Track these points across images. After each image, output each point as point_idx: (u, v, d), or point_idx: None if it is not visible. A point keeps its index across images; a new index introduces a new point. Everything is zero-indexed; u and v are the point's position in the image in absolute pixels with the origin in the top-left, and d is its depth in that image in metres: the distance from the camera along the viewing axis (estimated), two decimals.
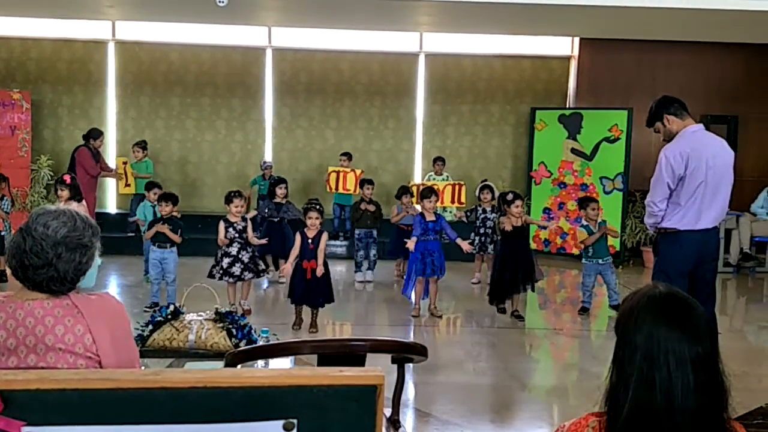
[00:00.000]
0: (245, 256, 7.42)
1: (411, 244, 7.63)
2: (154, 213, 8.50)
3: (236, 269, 7.38)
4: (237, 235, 7.39)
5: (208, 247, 9.34)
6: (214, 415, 1.34)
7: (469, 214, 9.60)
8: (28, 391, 1.30)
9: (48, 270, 2.13)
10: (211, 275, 7.36)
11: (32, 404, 1.31)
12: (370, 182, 9.75)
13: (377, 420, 1.45)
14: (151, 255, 7.70)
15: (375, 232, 9.46)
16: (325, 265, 6.98)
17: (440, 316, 7.76)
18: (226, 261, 7.38)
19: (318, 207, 7.09)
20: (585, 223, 8.01)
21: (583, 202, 8.25)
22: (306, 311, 7.05)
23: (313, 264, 6.83)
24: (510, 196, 7.73)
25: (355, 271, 9.52)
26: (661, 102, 5.27)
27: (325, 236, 6.99)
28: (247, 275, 7.46)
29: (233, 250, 7.39)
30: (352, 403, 1.43)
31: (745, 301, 9.99)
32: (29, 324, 2.08)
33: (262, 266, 7.75)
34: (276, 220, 9.08)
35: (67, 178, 7.52)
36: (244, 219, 7.52)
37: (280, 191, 9.25)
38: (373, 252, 9.49)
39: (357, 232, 9.48)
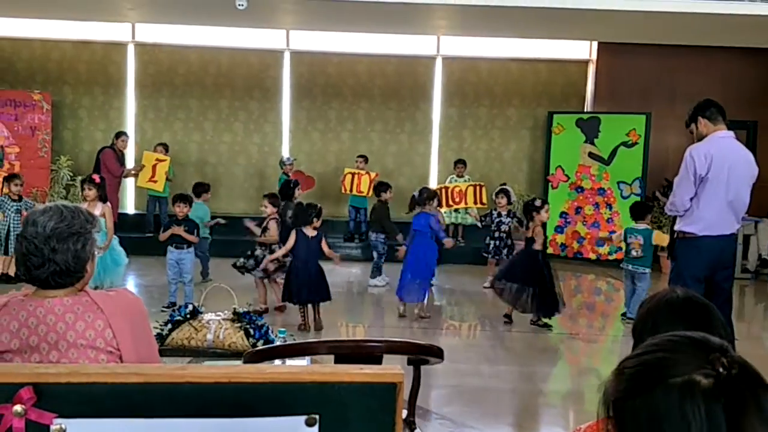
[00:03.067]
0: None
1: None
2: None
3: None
4: None
5: (225, 247, 9.42)
6: (238, 409, 1.37)
7: (483, 218, 9.59)
8: (60, 385, 1.34)
9: (49, 265, 2.15)
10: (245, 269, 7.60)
11: (63, 397, 1.34)
12: (382, 185, 9.76)
13: (396, 417, 1.47)
14: (168, 255, 7.77)
15: (383, 237, 9.47)
16: (318, 264, 7.18)
17: (428, 317, 7.77)
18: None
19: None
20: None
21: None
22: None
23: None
24: (538, 202, 7.62)
25: (373, 276, 9.55)
26: (699, 104, 5.27)
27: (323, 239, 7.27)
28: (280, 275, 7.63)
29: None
30: (372, 400, 1.45)
31: (764, 308, 9.93)
32: (50, 321, 2.11)
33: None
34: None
35: (96, 177, 7.61)
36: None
37: (297, 193, 9.29)
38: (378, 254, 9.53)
39: (374, 235, 9.51)
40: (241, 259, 7.73)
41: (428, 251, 7.75)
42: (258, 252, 7.65)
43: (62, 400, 1.33)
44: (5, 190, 9.01)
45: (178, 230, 7.59)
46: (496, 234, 9.27)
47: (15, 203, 8.88)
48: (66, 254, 2.17)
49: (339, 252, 10.80)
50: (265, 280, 7.73)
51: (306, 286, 7.04)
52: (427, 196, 8.00)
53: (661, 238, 7.94)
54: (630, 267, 7.76)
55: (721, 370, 1.14)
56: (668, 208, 5.38)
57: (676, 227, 5.29)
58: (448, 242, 8.07)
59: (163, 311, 7.03)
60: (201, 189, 9.28)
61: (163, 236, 7.70)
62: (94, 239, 2.27)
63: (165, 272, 7.90)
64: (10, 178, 9.11)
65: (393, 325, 7.95)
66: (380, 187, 9.68)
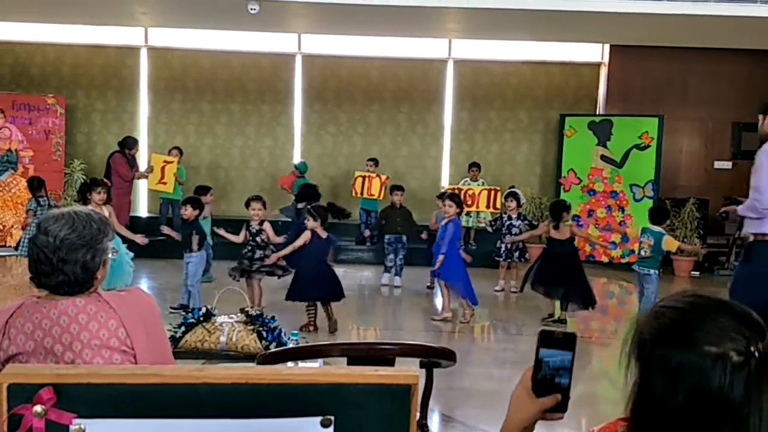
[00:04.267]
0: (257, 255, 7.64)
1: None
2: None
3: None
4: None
5: (238, 250, 9.45)
6: (255, 410, 1.38)
7: (493, 222, 9.60)
8: (79, 385, 1.36)
9: (57, 275, 2.16)
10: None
11: (82, 397, 1.36)
12: (400, 188, 9.80)
13: (411, 418, 1.48)
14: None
15: (404, 238, 9.51)
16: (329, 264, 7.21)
17: (467, 322, 7.76)
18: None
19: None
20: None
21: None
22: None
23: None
24: (568, 203, 7.80)
25: (384, 272, 9.59)
26: None
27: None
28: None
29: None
30: (387, 402, 1.47)
31: None
32: (64, 323, 2.13)
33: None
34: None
35: (107, 181, 7.74)
36: (261, 222, 7.72)
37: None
38: (400, 257, 9.53)
39: (387, 237, 9.55)
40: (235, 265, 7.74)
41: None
42: (258, 254, 7.62)
43: (81, 400, 1.34)
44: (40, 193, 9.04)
45: (166, 230, 7.72)
46: (507, 237, 9.27)
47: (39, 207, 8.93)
48: (75, 266, 2.16)
49: (350, 255, 10.87)
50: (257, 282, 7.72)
51: (318, 285, 7.04)
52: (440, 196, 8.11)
53: (670, 244, 7.92)
54: (637, 268, 7.78)
55: (753, 350, 1.25)
56: (751, 210, 5.13)
57: (752, 230, 5.09)
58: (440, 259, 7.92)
59: (171, 313, 7.07)
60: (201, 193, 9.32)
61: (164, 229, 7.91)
62: (105, 248, 2.25)
63: (176, 275, 7.97)
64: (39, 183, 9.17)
65: (405, 327, 7.96)
66: (396, 189, 9.74)
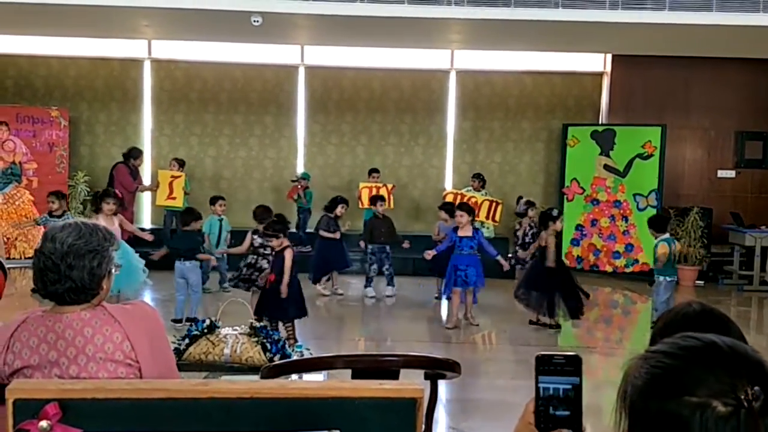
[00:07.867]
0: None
1: (429, 254, 8.11)
2: (220, 227, 9.22)
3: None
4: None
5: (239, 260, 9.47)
6: (260, 424, 1.38)
7: (520, 237, 9.85)
8: (85, 400, 1.36)
9: (65, 282, 2.17)
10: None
11: (88, 412, 1.37)
12: (382, 199, 10.00)
13: None
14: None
15: (388, 248, 9.56)
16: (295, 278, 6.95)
17: (477, 324, 7.85)
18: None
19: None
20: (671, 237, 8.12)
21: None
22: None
23: (271, 278, 6.80)
24: (555, 212, 7.81)
25: (365, 286, 9.57)
26: None
27: (288, 253, 6.80)
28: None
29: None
30: (392, 416, 1.47)
31: None
32: (69, 336, 2.13)
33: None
34: (338, 237, 9.48)
35: (119, 193, 7.87)
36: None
37: (340, 210, 9.61)
38: (386, 266, 9.54)
39: (370, 247, 9.58)
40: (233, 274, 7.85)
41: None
42: (242, 264, 7.77)
43: (87, 415, 1.35)
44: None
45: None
46: (520, 252, 9.45)
47: (58, 219, 8.97)
48: (82, 271, 2.18)
49: (354, 266, 10.84)
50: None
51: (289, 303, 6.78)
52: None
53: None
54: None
55: (742, 399, 1.10)
56: None
57: None
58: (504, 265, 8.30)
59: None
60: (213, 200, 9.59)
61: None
62: (111, 257, 2.28)
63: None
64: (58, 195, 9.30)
65: (409, 338, 7.95)
66: (379, 199, 9.83)
